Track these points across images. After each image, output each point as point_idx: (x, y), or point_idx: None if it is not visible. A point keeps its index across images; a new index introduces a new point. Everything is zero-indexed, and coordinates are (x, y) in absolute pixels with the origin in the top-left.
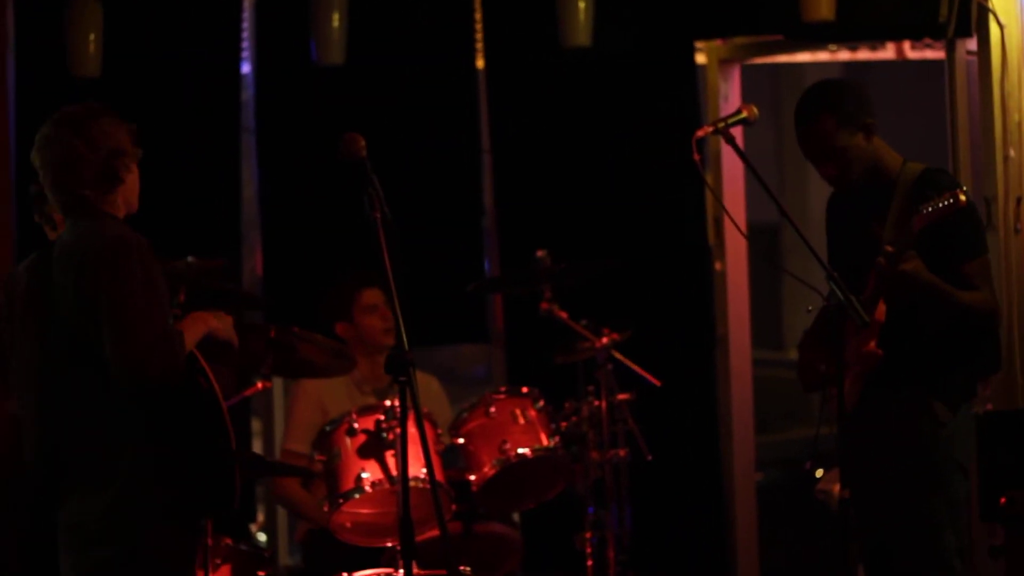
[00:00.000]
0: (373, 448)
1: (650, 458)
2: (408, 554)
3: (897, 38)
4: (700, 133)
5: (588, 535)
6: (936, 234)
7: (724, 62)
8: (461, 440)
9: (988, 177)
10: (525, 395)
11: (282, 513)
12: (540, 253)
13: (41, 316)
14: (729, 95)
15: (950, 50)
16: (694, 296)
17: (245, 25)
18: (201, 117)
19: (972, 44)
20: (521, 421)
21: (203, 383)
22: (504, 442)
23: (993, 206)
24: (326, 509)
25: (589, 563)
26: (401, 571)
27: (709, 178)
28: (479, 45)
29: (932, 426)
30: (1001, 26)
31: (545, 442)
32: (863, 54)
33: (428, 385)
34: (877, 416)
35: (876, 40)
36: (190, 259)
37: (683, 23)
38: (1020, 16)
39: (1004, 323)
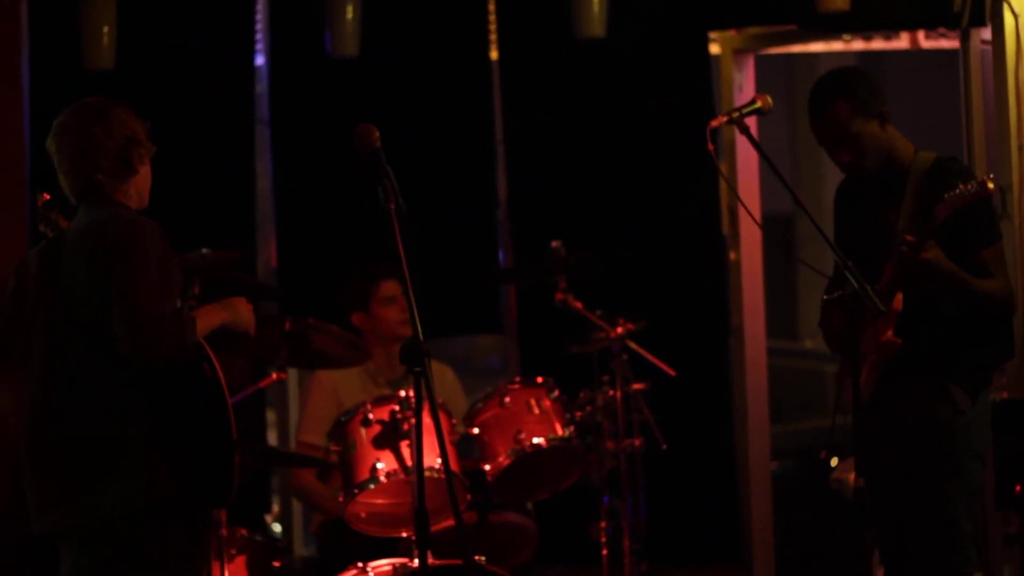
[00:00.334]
0: (388, 438)
1: (665, 448)
2: (423, 544)
3: (911, 27)
4: (714, 123)
5: (603, 525)
6: (952, 222)
7: (738, 52)
8: (476, 430)
9: (1002, 166)
10: (540, 385)
11: (297, 504)
12: (555, 244)
13: (51, 301)
14: (743, 85)
15: (964, 40)
16: (709, 286)
17: (259, 17)
18: (215, 110)
19: (986, 33)
20: (536, 411)
21: (208, 372)
22: (519, 432)
23: (1008, 195)
24: (341, 499)
25: (604, 552)
26: (416, 561)
27: (723, 168)
28: (493, 36)
29: (951, 413)
30: (1015, 15)
31: (560, 432)
32: (877, 44)
33: (443, 375)
34: (894, 404)
35: (890, 29)
36: (205, 251)
37: (697, 13)
38: None
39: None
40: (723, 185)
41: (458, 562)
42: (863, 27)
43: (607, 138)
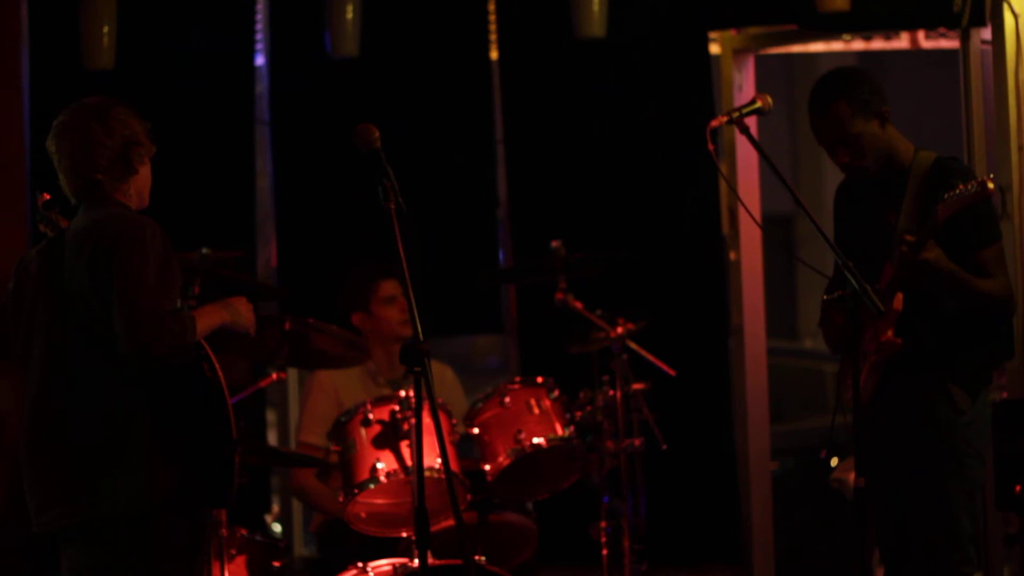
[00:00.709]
0: (388, 438)
1: (665, 448)
2: (423, 544)
3: (911, 27)
4: (714, 123)
5: (603, 525)
6: (952, 222)
7: (738, 52)
8: (476, 430)
9: (1002, 166)
10: (540, 385)
11: (297, 504)
12: (555, 243)
13: (51, 301)
14: (743, 85)
15: (964, 39)
16: (709, 286)
17: (259, 17)
18: (215, 109)
19: (987, 33)
20: (536, 411)
21: (207, 371)
22: (519, 432)
23: (1007, 195)
24: (341, 499)
25: (604, 552)
26: (416, 561)
27: (723, 168)
28: (493, 36)
29: (951, 413)
30: (1015, 15)
31: (560, 432)
32: (877, 43)
33: (443, 375)
34: (895, 403)
35: (890, 29)
36: (205, 251)
37: (697, 13)
38: None
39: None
40: (723, 185)
41: (458, 562)
42: (863, 27)
43: (607, 138)
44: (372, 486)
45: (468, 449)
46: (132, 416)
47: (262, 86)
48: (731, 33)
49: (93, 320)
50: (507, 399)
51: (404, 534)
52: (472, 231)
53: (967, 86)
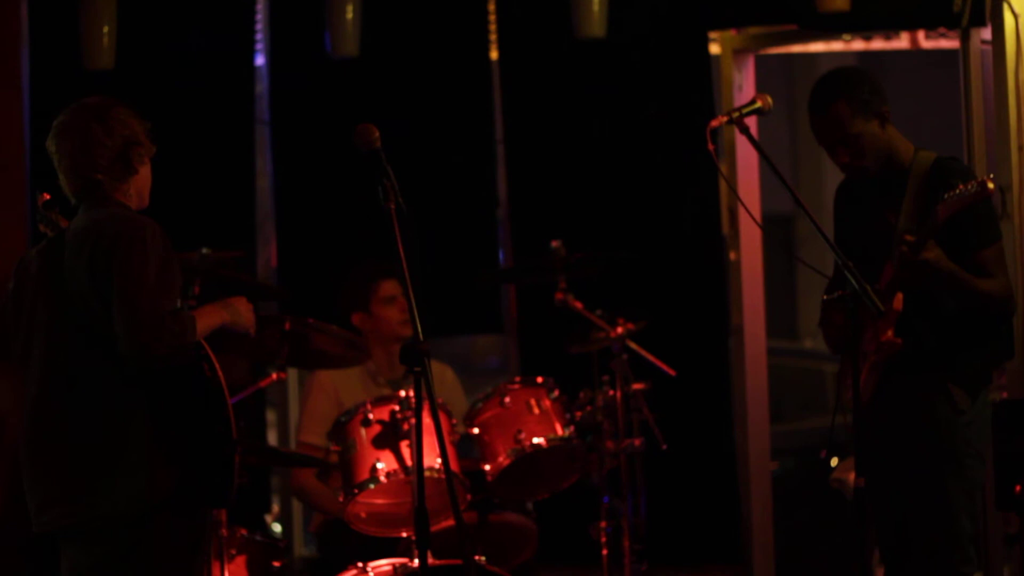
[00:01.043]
0: (388, 438)
1: (665, 448)
2: (423, 544)
3: (911, 27)
4: (714, 123)
5: (603, 525)
6: (952, 221)
7: (738, 52)
8: (476, 430)
9: (1002, 166)
10: (540, 385)
11: (297, 504)
12: (555, 243)
13: (51, 301)
14: (743, 85)
15: (964, 40)
16: (709, 286)
17: (259, 17)
18: (215, 109)
19: (987, 33)
20: (536, 411)
21: (207, 371)
22: (519, 432)
23: (1007, 195)
24: (341, 499)
25: (604, 552)
26: (416, 561)
27: (724, 168)
28: (493, 36)
29: (951, 413)
30: (1015, 15)
31: (560, 432)
32: (877, 44)
33: (443, 375)
34: (895, 403)
35: (890, 29)
36: (205, 250)
37: (697, 13)
38: None
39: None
40: (723, 185)
41: (458, 562)
42: (863, 27)
43: (607, 138)
44: (372, 486)
45: (468, 449)
46: (132, 416)
47: (262, 86)
48: (731, 33)
49: (93, 320)
50: (507, 399)
51: (404, 534)
52: (472, 231)
53: (967, 86)
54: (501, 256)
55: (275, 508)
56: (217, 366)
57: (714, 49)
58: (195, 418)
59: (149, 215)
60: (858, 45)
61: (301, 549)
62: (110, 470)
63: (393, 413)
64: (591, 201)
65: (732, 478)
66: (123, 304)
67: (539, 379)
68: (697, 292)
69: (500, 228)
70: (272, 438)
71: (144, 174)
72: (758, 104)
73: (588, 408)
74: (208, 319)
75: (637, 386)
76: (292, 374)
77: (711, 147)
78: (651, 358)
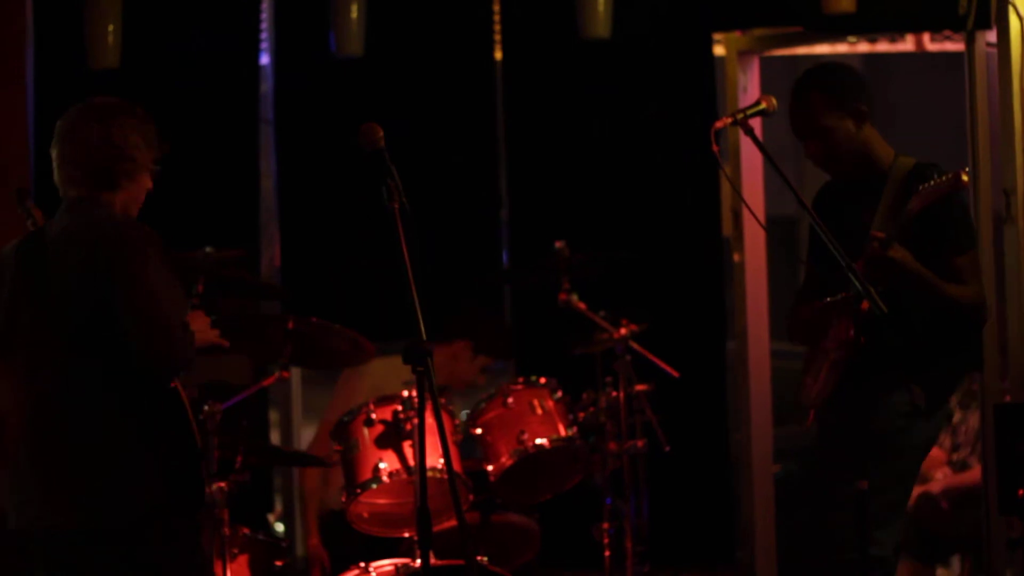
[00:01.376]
0: (391, 438)
1: (668, 449)
2: (425, 544)
3: (917, 30)
4: (719, 124)
5: (606, 526)
6: (928, 226)
7: (743, 54)
8: (479, 430)
9: (1007, 169)
10: (543, 386)
11: (299, 504)
12: (558, 244)
13: (36, 304)
14: (748, 87)
15: (970, 42)
16: (712, 287)
17: (264, 17)
18: (220, 109)
19: (992, 36)
20: (539, 411)
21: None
22: (522, 432)
23: (1012, 198)
24: (343, 499)
25: (607, 554)
26: (418, 561)
27: (727, 170)
28: (497, 37)
29: (908, 408)
30: (1021, 18)
31: (563, 432)
32: (883, 46)
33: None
34: (852, 399)
35: (896, 32)
36: (208, 250)
37: (702, 14)
38: None
39: (1020, 315)
40: (726, 186)
41: (460, 562)
42: (868, 29)
43: (611, 139)
44: (375, 486)
45: (471, 449)
46: (122, 421)
47: (266, 85)
48: (736, 35)
49: (80, 324)
50: (510, 399)
51: (406, 534)
52: (475, 231)
53: (972, 89)
54: (505, 256)
55: (278, 507)
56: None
57: (718, 50)
58: (171, 426)
59: (153, 212)
60: (863, 47)
61: (303, 548)
62: (102, 476)
63: (396, 413)
64: (594, 202)
65: (735, 480)
66: (140, 321)
67: (542, 380)
68: (700, 293)
69: (503, 228)
70: (275, 437)
71: (132, 190)
72: (762, 106)
73: (591, 409)
74: (195, 324)
75: (640, 387)
76: (295, 373)
77: (715, 148)
78: (654, 359)
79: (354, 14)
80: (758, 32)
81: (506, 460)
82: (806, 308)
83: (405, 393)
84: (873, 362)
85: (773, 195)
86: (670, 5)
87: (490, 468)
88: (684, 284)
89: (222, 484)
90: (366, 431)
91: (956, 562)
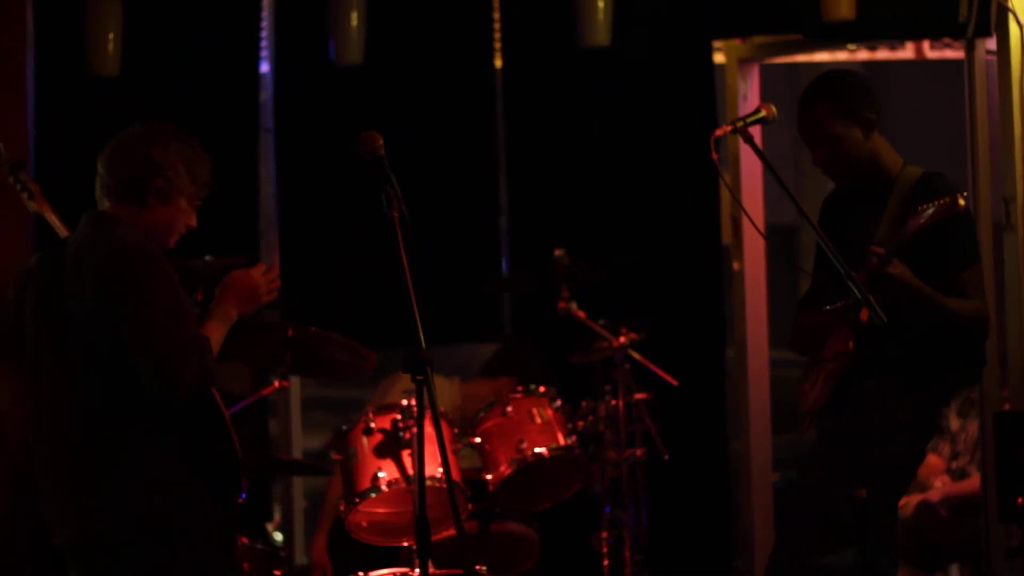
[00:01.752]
0: (390, 447)
1: (667, 458)
2: (424, 553)
3: (917, 38)
4: (718, 132)
5: (605, 535)
6: (932, 240)
7: (743, 61)
8: (478, 439)
9: (1007, 177)
10: (542, 394)
11: (299, 512)
12: (558, 252)
13: (55, 319)
14: (748, 94)
15: (969, 50)
16: (711, 296)
17: (264, 24)
18: (220, 116)
19: (992, 44)
20: (538, 420)
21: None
22: (521, 441)
23: (1012, 206)
24: (342, 508)
25: (606, 563)
26: (417, 570)
27: (727, 178)
28: (497, 45)
29: (900, 416)
30: (1021, 26)
31: (562, 441)
32: (882, 54)
33: (450, 389)
34: (846, 405)
35: (896, 40)
36: (208, 258)
37: (702, 22)
38: None
39: (1020, 324)
40: (726, 195)
41: (459, 572)
42: (868, 37)
43: (610, 147)
44: (373, 495)
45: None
46: (144, 438)
47: (266, 93)
48: (736, 42)
49: (97, 343)
50: (509, 408)
51: (405, 543)
52: (475, 239)
53: (972, 96)
54: (505, 264)
55: (276, 517)
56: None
57: (718, 58)
58: (202, 437)
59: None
60: (863, 55)
61: (302, 558)
62: (124, 491)
63: (395, 422)
64: (594, 210)
65: (735, 489)
66: (141, 345)
67: (541, 388)
68: (700, 302)
69: (503, 236)
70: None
71: (162, 213)
72: (762, 113)
73: (590, 418)
74: (219, 329)
75: (639, 396)
76: (295, 382)
77: (715, 156)
78: (654, 368)
79: (354, 22)
80: (758, 40)
81: (505, 469)
82: (808, 316)
83: (404, 402)
84: (870, 372)
85: (772, 203)
86: (670, 13)
87: (489, 477)
88: (683, 292)
89: None
90: (365, 440)
91: (955, 570)
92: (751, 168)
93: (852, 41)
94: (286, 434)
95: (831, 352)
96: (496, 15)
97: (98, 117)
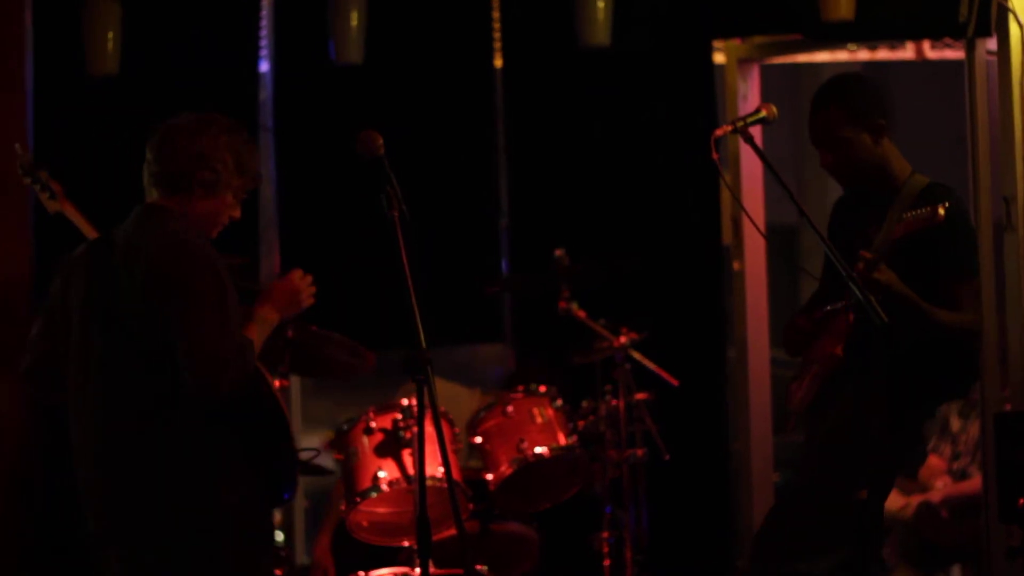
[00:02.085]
0: (390, 447)
1: (668, 458)
2: (425, 553)
3: (917, 38)
4: (719, 132)
5: (605, 535)
6: (924, 250)
7: (743, 61)
8: (478, 439)
9: (1007, 177)
10: (543, 394)
11: (299, 512)
12: (558, 252)
13: (105, 315)
14: (748, 95)
15: (970, 50)
16: (712, 296)
17: (263, 24)
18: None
19: (992, 44)
20: (539, 420)
21: (264, 389)
22: (521, 441)
23: (1012, 206)
24: (343, 508)
25: (606, 563)
26: (418, 570)
27: (728, 178)
28: (497, 44)
29: (883, 424)
30: (1021, 26)
31: (563, 441)
32: (882, 54)
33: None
34: (831, 407)
35: (896, 40)
36: None
37: (702, 22)
38: None
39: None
40: (727, 195)
41: (460, 572)
42: (868, 37)
43: (611, 147)
44: (374, 495)
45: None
46: (197, 440)
47: (266, 93)
48: (736, 42)
49: (146, 337)
50: (509, 408)
51: (406, 543)
52: (475, 239)
53: (972, 96)
54: (505, 265)
55: (277, 516)
56: (271, 381)
57: (718, 58)
58: (262, 433)
59: None
60: (863, 55)
61: (303, 558)
62: (172, 486)
63: (395, 422)
64: (594, 210)
65: (735, 489)
66: (187, 345)
67: (542, 388)
68: (700, 302)
69: (503, 236)
70: None
71: (208, 205)
72: (763, 114)
73: (591, 418)
74: (262, 332)
75: (640, 396)
76: (295, 381)
77: (715, 156)
78: (654, 368)
79: (354, 21)
80: (758, 40)
81: (505, 469)
82: (802, 317)
83: (405, 402)
84: (857, 378)
85: (773, 204)
86: (670, 13)
87: (489, 477)
88: (684, 292)
89: None
90: (366, 440)
91: (956, 571)
92: (751, 168)
93: (852, 41)
94: None
95: (819, 353)
96: (496, 15)
97: (97, 117)
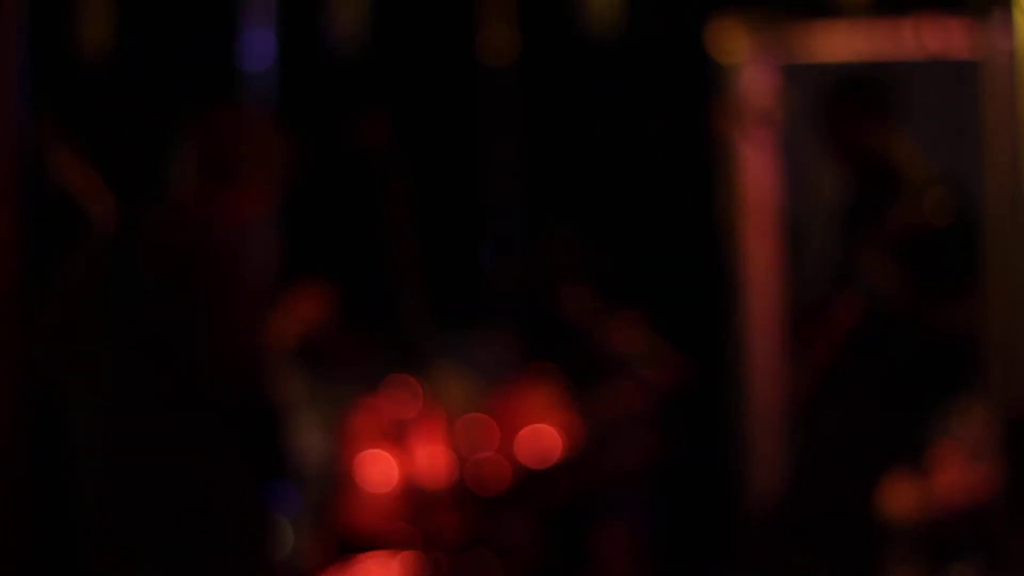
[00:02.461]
0: (388, 443)
1: (668, 458)
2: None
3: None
4: (725, 128)
5: (606, 536)
6: (934, 247)
7: (754, 56)
8: (478, 437)
9: (1015, 175)
10: (542, 392)
11: (299, 513)
12: (557, 247)
13: (124, 306)
14: (752, 93)
15: (983, 47)
16: (712, 295)
17: (259, 13)
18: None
19: (1005, 40)
20: (539, 418)
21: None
22: (522, 440)
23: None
24: (340, 508)
25: (609, 563)
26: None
27: (732, 172)
28: (496, 36)
29: (880, 431)
30: None
31: (563, 441)
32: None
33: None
34: (831, 410)
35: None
36: None
37: (708, 17)
38: None
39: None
40: (732, 191)
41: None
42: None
43: (612, 140)
44: (374, 495)
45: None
46: (208, 426)
47: (265, 83)
48: (741, 30)
49: (166, 329)
50: (510, 402)
51: (405, 544)
52: (474, 232)
53: (982, 94)
54: (503, 257)
55: (277, 517)
56: (272, 378)
57: (722, 57)
58: (260, 435)
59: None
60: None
61: (302, 558)
62: (178, 479)
63: (395, 421)
64: (595, 203)
65: (741, 489)
66: (204, 338)
67: (542, 384)
68: (701, 299)
69: (503, 227)
70: None
71: (234, 200)
72: (768, 108)
73: (591, 417)
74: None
75: (642, 396)
76: (294, 380)
77: (717, 153)
78: (656, 367)
79: (353, 15)
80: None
81: (506, 468)
82: (800, 316)
83: (404, 401)
84: (859, 374)
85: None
86: (675, 7)
87: (490, 477)
88: (683, 291)
89: None
90: (366, 439)
91: (959, 571)
92: (753, 167)
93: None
94: None
95: (820, 349)
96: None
97: (89, 108)
